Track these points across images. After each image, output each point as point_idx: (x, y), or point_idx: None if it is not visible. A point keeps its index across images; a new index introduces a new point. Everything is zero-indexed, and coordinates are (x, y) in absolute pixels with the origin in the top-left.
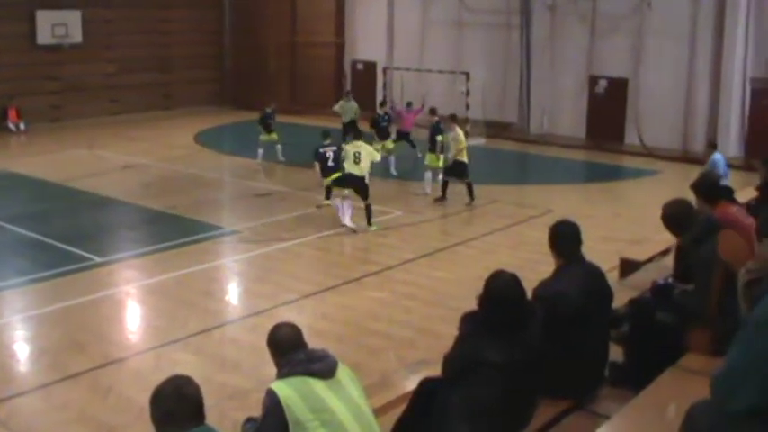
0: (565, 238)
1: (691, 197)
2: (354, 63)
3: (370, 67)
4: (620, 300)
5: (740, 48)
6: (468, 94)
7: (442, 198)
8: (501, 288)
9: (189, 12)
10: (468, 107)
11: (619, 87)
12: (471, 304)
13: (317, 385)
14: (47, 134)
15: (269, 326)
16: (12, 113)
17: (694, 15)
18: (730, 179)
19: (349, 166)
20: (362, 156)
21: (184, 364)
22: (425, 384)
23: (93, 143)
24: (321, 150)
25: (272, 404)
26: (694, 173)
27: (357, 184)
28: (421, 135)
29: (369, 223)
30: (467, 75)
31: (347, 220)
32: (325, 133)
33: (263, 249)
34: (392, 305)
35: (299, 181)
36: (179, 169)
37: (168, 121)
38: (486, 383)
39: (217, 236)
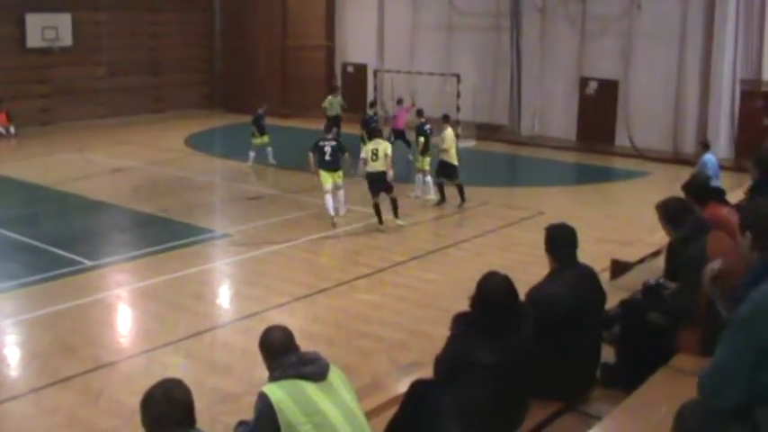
0: (560, 241)
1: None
2: (345, 66)
3: (361, 69)
4: (611, 301)
5: (729, 49)
6: (458, 96)
7: (442, 200)
8: (493, 289)
9: (179, 15)
10: (458, 109)
11: (609, 89)
12: (463, 306)
13: (309, 388)
14: (37, 138)
15: (260, 329)
16: (1, 117)
17: (684, 17)
18: (721, 180)
19: (370, 165)
20: (380, 152)
21: (175, 367)
22: (417, 386)
23: (84, 146)
24: (320, 144)
25: (265, 407)
26: (685, 174)
27: (381, 180)
28: (411, 136)
29: (395, 216)
30: (457, 77)
31: (332, 211)
32: (328, 128)
33: (254, 252)
34: (383, 307)
35: (289, 184)
36: (170, 172)
37: (159, 125)
38: (477, 384)
39: (207, 239)
